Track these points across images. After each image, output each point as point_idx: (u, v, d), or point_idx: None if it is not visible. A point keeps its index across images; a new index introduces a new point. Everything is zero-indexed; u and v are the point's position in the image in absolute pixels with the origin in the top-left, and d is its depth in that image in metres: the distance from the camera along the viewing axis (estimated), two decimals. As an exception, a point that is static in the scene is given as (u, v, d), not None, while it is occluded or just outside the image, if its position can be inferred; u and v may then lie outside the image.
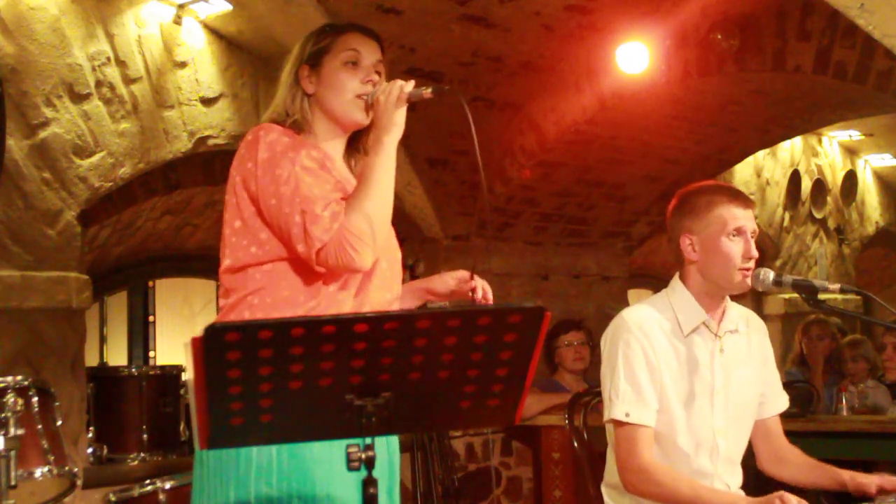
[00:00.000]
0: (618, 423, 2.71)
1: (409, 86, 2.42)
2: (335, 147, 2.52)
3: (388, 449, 2.43)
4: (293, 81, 2.50)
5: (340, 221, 2.28)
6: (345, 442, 1.88)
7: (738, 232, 2.71)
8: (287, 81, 2.51)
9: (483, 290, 2.50)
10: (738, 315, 2.87)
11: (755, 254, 2.72)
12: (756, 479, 2.93)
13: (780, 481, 2.85)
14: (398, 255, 2.54)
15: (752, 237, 2.73)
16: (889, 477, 2.66)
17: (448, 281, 2.56)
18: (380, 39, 2.55)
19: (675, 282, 2.82)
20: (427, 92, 2.42)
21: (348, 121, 2.49)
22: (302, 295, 2.34)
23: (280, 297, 2.34)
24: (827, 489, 2.69)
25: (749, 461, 2.92)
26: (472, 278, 2.51)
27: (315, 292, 2.35)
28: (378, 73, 2.50)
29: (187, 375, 4.16)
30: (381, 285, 2.44)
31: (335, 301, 2.35)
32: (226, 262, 2.40)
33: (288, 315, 2.29)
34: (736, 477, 2.83)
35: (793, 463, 2.89)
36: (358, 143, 2.55)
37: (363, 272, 2.37)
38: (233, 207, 2.40)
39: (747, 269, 2.71)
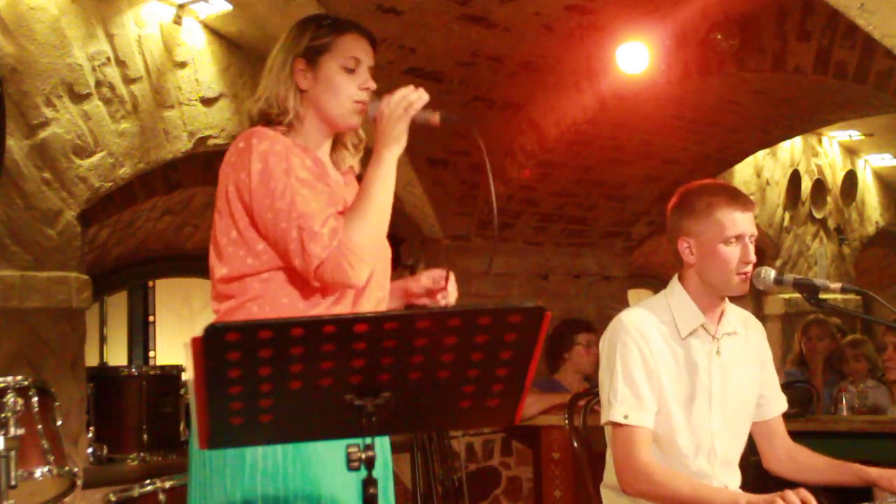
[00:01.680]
0: (616, 426, 2.71)
1: (419, 103, 2.35)
2: (323, 146, 2.48)
3: (382, 449, 2.42)
4: (287, 73, 2.43)
5: (339, 238, 2.26)
6: (346, 442, 1.88)
7: (737, 238, 2.69)
8: (279, 71, 2.44)
9: (444, 297, 2.46)
10: (737, 317, 2.86)
11: (753, 258, 2.70)
12: (755, 478, 2.93)
13: (789, 481, 2.84)
14: (389, 252, 2.51)
15: (750, 241, 2.71)
16: None
17: (423, 280, 2.52)
18: (374, 41, 2.51)
19: (674, 283, 2.81)
20: (435, 118, 2.37)
21: (344, 126, 2.46)
22: (301, 303, 2.33)
23: (279, 305, 2.32)
24: (849, 486, 2.68)
25: (747, 461, 2.92)
26: (446, 280, 2.47)
27: (314, 303, 2.33)
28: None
29: (187, 375, 4.16)
30: (375, 285, 2.42)
31: (333, 310, 2.33)
32: (222, 271, 2.37)
33: None
34: (734, 477, 2.83)
35: (806, 463, 2.86)
36: (344, 137, 2.52)
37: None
38: (227, 216, 2.36)
39: (745, 273, 2.70)
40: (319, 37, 2.44)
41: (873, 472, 2.70)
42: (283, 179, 2.28)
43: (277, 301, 2.32)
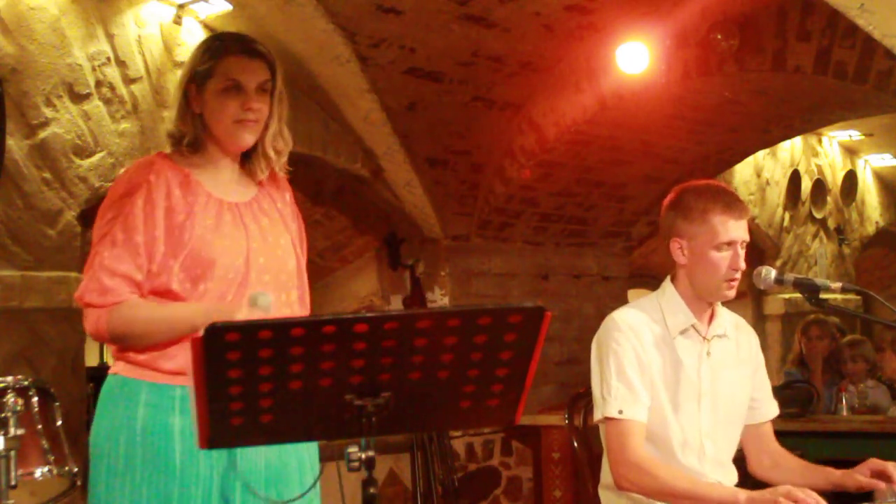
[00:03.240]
0: (610, 420, 2.72)
1: None
2: (228, 167, 2.53)
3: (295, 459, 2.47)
4: (183, 99, 2.50)
5: (109, 313, 2.43)
6: None
7: (729, 244, 2.71)
8: (177, 95, 2.51)
9: None
10: (728, 320, 2.88)
11: (742, 266, 2.71)
12: (744, 478, 2.93)
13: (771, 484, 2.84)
14: (289, 261, 2.55)
15: (741, 247, 2.73)
16: (874, 460, 2.64)
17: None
18: (266, 57, 2.51)
19: (667, 283, 2.83)
20: None
21: (234, 146, 2.51)
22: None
23: None
24: (822, 490, 2.68)
25: (740, 462, 2.92)
26: None
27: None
28: (265, 91, 2.48)
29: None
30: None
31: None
32: None
33: None
34: (729, 476, 2.83)
35: (785, 467, 2.89)
36: (264, 146, 2.54)
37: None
38: None
39: (733, 280, 2.72)
40: (203, 62, 2.49)
41: (837, 474, 2.71)
42: (122, 210, 2.42)
43: None
